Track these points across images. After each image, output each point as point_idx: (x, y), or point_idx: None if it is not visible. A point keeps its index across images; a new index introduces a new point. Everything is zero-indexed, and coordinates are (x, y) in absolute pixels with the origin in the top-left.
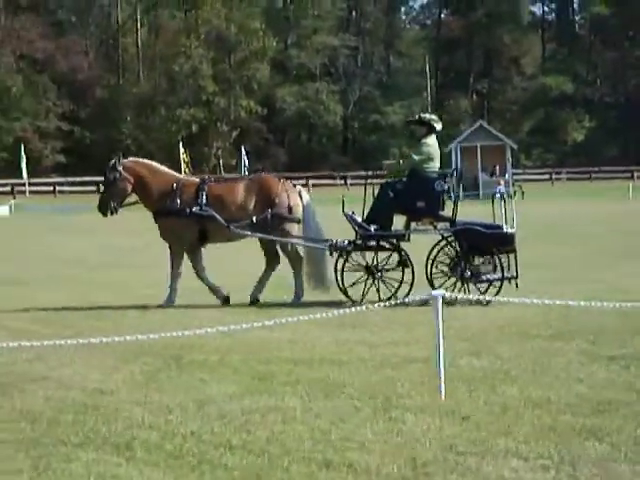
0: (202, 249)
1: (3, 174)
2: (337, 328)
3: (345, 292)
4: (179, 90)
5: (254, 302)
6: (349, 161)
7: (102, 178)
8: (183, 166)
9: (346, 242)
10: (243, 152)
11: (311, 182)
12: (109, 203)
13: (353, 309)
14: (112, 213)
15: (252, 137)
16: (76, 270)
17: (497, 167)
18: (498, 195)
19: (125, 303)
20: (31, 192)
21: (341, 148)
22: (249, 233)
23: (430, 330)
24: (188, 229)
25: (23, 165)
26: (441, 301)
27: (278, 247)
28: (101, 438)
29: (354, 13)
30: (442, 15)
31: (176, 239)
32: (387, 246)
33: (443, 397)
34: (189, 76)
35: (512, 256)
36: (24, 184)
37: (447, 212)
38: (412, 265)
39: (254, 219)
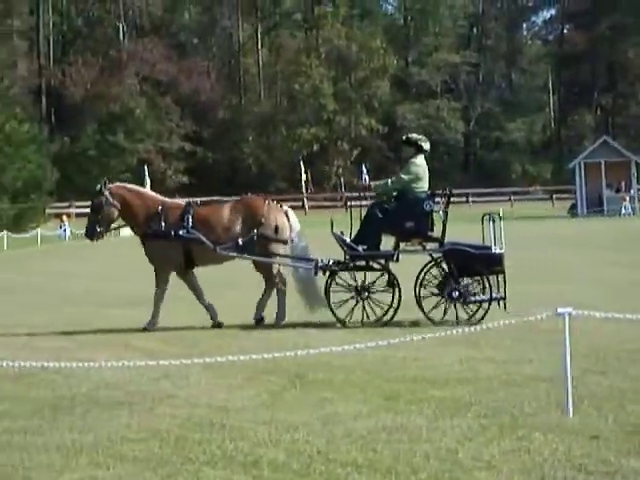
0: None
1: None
2: (461, 346)
3: (333, 312)
4: (300, 109)
5: (259, 321)
6: (470, 178)
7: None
8: (304, 185)
9: (331, 262)
10: (364, 170)
11: None
12: (96, 228)
13: (477, 327)
14: (99, 238)
15: (373, 155)
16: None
17: (623, 183)
18: (624, 211)
19: (244, 322)
20: None
21: (462, 165)
22: (235, 254)
23: (554, 347)
24: (174, 252)
25: (147, 186)
26: (568, 319)
27: (254, 267)
28: (228, 456)
29: (475, 30)
30: (565, 30)
31: (162, 263)
32: (375, 266)
33: (571, 416)
34: (310, 95)
35: (501, 277)
36: None
37: (437, 232)
38: (399, 286)
39: (240, 241)
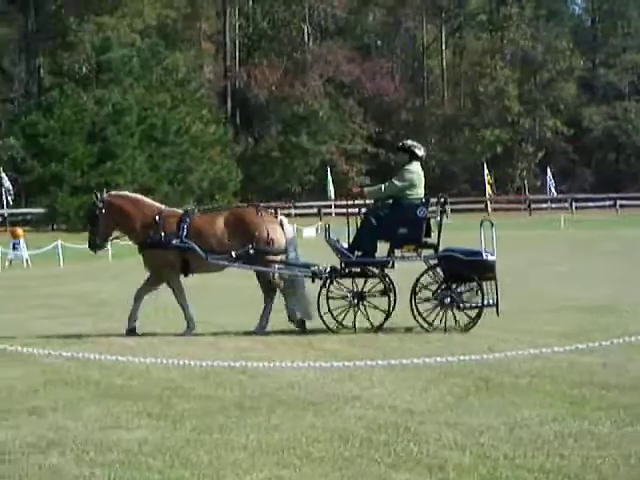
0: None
1: (310, 196)
2: None
3: (322, 319)
4: (483, 111)
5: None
6: None
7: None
8: (487, 187)
9: (327, 269)
10: (549, 173)
11: (619, 203)
12: (96, 240)
13: None
14: (99, 249)
15: (557, 158)
16: None
17: None
18: None
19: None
20: (337, 214)
21: None
22: (226, 263)
23: None
24: (172, 260)
25: (330, 187)
26: None
27: (256, 278)
28: (413, 459)
29: None
30: None
31: (158, 270)
32: (369, 273)
33: None
34: (494, 97)
35: (492, 283)
36: (330, 206)
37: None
38: (395, 293)
39: (233, 253)
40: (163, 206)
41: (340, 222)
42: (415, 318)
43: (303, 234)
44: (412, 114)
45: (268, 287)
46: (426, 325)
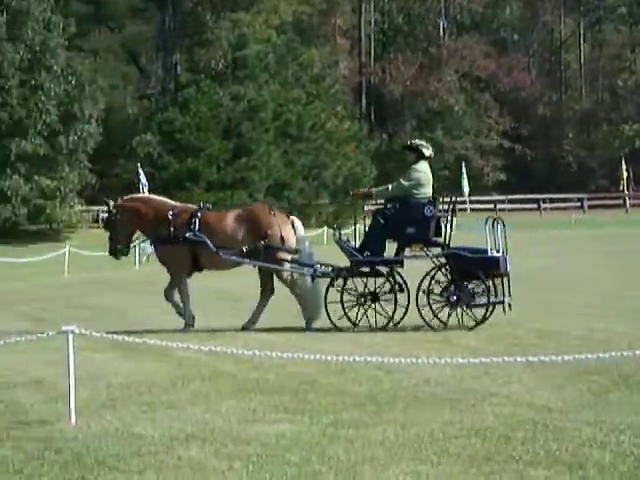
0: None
1: (444, 191)
2: None
3: (330, 318)
4: (622, 105)
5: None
6: None
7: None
8: (625, 183)
9: (330, 269)
10: None
11: None
12: (116, 246)
13: None
14: (122, 255)
15: None
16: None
17: None
18: None
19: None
20: (472, 210)
21: None
22: (234, 258)
23: None
24: (183, 255)
25: (464, 183)
26: None
27: (275, 277)
28: (552, 456)
29: None
30: None
31: (174, 265)
32: (379, 273)
33: None
34: (633, 91)
35: (500, 280)
36: (465, 202)
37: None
38: (407, 291)
39: (244, 249)
40: (177, 203)
41: (473, 218)
42: (421, 316)
43: None
44: (549, 109)
45: (268, 286)
46: (437, 323)
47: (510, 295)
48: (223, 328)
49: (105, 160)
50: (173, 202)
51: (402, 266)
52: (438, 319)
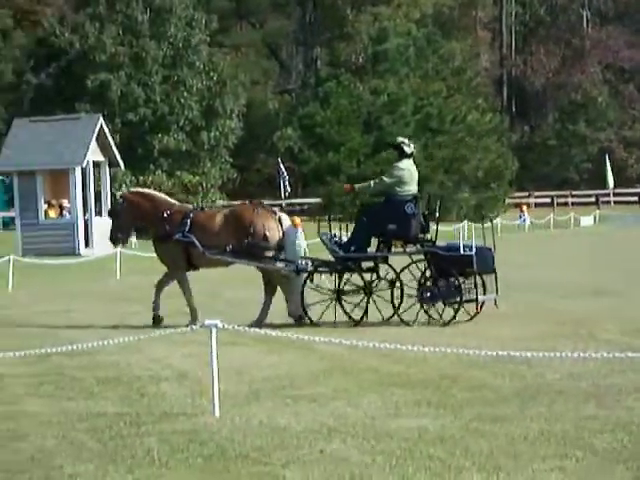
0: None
1: (588, 185)
2: None
3: (305, 312)
4: None
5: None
6: None
7: None
8: None
9: (310, 264)
10: None
11: None
12: (117, 235)
13: None
14: (122, 244)
15: None
16: None
17: None
18: None
19: None
20: (615, 202)
21: None
22: (219, 257)
23: None
24: (178, 254)
25: (609, 175)
26: None
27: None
28: None
29: None
30: None
31: (171, 263)
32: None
33: None
34: None
35: (492, 278)
36: (609, 194)
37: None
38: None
39: (228, 247)
40: (176, 203)
41: (619, 211)
42: (397, 312)
43: (580, 223)
44: None
45: (269, 283)
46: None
47: (497, 292)
48: (364, 323)
49: (246, 155)
50: (172, 201)
51: (386, 262)
52: (397, 315)
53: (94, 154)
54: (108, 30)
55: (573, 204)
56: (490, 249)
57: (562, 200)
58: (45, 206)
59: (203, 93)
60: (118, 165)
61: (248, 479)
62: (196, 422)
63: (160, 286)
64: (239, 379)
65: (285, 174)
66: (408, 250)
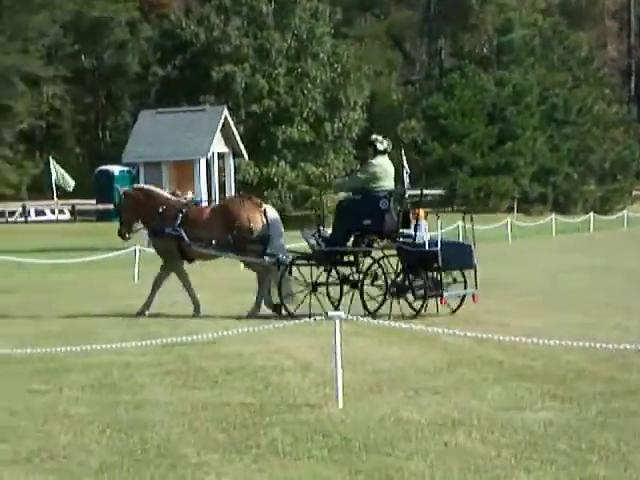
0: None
1: None
2: None
3: (283, 304)
4: None
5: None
6: None
7: None
8: None
9: (290, 258)
10: None
11: None
12: (121, 229)
13: None
14: (125, 238)
15: None
16: None
17: None
18: None
19: None
20: None
21: None
22: (205, 251)
23: None
24: (172, 247)
25: None
26: None
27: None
28: None
29: None
30: None
31: (167, 256)
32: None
33: None
34: None
35: (470, 273)
36: None
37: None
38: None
39: (213, 241)
40: (173, 198)
41: None
42: (364, 306)
43: None
44: None
45: (260, 270)
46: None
47: (477, 287)
48: (486, 313)
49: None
50: (169, 197)
51: (365, 256)
52: (365, 308)
53: (218, 145)
54: (233, 22)
55: None
56: (470, 246)
57: None
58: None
59: (327, 85)
60: (242, 156)
61: (372, 471)
62: (320, 413)
63: (158, 281)
64: (362, 370)
65: (407, 166)
66: (378, 245)
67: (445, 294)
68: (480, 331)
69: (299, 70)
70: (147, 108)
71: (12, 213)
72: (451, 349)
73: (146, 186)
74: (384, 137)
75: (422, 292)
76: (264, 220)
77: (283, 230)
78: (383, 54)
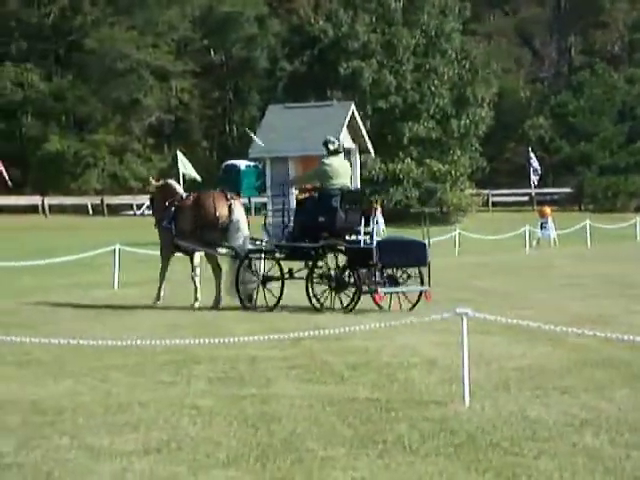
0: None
1: None
2: None
3: (240, 298)
4: None
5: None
6: None
7: None
8: None
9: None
10: None
11: None
12: (158, 225)
13: None
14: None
15: None
16: None
17: None
18: None
19: None
20: None
21: None
22: (182, 243)
23: None
24: (169, 239)
25: None
26: None
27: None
28: None
29: None
30: None
31: (162, 247)
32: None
33: None
34: None
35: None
36: None
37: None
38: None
39: (186, 232)
40: (184, 194)
41: None
42: (310, 301)
43: None
44: None
45: (215, 265)
46: (318, 305)
47: (429, 285)
48: (613, 314)
49: (496, 144)
50: (179, 191)
51: (324, 252)
52: (311, 302)
53: (345, 141)
54: (361, 18)
55: None
56: (424, 244)
57: None
58: (296, 192)
59: (454, 81)
60: (368, 152)
61: (500, 469)
62: (446, 410)
63: (163, 272)
64: (488, 368)
65: (536, 164)
66: (321, 243)
67: (381, 290)
68: (609, 331)
69: (427, 66)
70: (274, 103)
71: (140, 206)
72: (578, 349)
73: (168, 181)
74: (336, 138)
75: (355, 288)
76: (228, 213)
77: (246, 227)
78: (511, 51)
